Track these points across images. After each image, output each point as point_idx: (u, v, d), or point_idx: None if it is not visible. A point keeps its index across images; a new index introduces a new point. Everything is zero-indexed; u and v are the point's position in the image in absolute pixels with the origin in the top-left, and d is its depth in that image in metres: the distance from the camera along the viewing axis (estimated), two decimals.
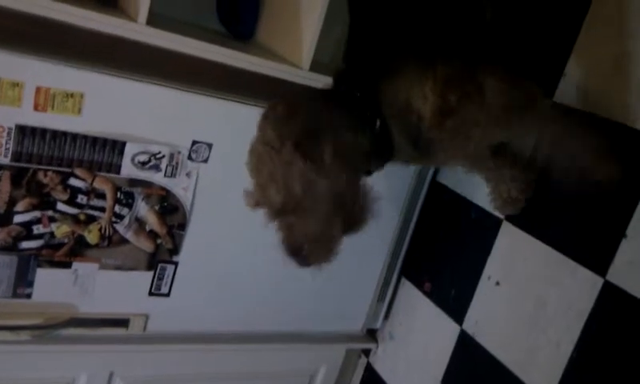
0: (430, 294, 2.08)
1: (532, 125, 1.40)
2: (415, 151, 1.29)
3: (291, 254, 1.18)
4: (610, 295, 1.51)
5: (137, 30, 1.49)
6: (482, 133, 1.28)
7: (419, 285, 2.13)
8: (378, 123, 1.23)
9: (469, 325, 1.92)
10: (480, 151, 1.50)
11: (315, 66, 1.74)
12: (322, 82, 1.72)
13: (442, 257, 2.07)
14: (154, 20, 1.51)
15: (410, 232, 2.17)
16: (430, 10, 1.31)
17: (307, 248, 1.17)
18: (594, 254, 1.56)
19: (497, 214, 1.83)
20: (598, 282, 1.54)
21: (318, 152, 1.13)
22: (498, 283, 1.84)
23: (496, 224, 1.85)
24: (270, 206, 1.18)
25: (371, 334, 2.26)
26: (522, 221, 1.77)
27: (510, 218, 1.81)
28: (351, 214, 1.21)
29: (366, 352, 2.31)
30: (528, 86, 1.35)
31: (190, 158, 1.66)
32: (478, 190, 1.88)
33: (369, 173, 1.34)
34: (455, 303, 1.98)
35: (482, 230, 1.90)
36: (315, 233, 1.17)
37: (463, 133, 1.26)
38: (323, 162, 1.13)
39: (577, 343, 1.57)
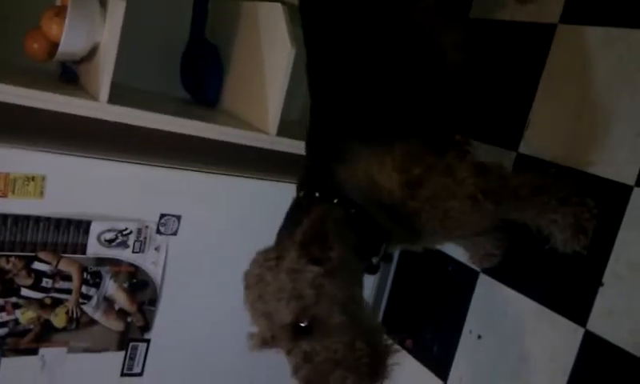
0: (412, 351, 2.04)
1: (508, 210, 1.37)
2: (402, 231, 1.25)
3: None
4: (592, 345, 1.49)
5: (99, 109, 1.48)
6: (460, 214, 1.25)
7: (400, 342, 2.08)
8: (353, 211, 1.18)
9: (453, 381, 1.87)
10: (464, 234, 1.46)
11: (283, 129, 1.73)
12: (290, 145, 1.72)
13: (422, 312, 2.04)
14: (116, 95, 1.50)
15: (387, 288, 2.14)
16: (388, 89, 1.30)
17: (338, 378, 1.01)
18: (573, 303, 1.54)
19: (473, 266, 1.82)
20: (579, 331, 1.52)
21: (323, 253, 1.07)
22: (479, 337, 1.81)
23: (473, 276, 1.83)
24: (282, 332, 1.05)
25: None
26: (499, 272, 1.75)
27: (486, 271, 1.79)
28: (367, 329, 1.09)
29: None
30: (496, 168, 1.34)
31: (158, 231, 1.63)
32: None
33: (371, 268, 1.27)
34: (438, 359, 1.94)
35: (460, 283, 1.88)
36: (340, 354, 1.02)
37: (440, 205, 1.23)
38: (331, 263, 1.07)
39: None
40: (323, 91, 1.34)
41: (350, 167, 1.21)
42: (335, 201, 1.20)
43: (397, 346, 1.11)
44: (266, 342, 1.08)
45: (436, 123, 1.36)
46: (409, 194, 1.20)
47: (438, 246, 1.87)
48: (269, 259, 1.08)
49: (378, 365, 1.05)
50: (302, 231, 1.08)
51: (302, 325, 1.03)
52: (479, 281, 1.81)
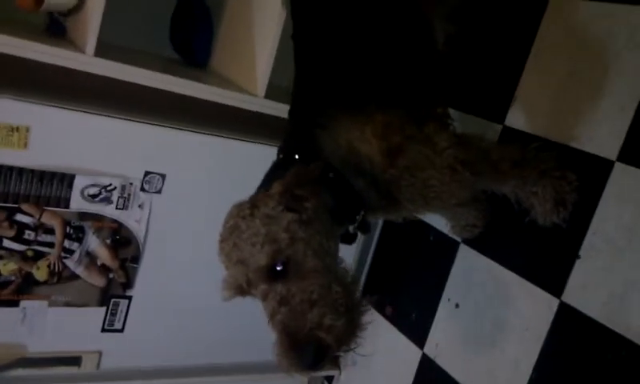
0: (391, 318, 2.07)
1: (487, 181, 1.39)
2: (380, 199, 1.25)
3: (296, 341, 0.98)
4: (566, 315, 1.53)
5: (85, 62, 1.46)
6: (440, 184, 1.25)
7: (380, 309, 2.12)
8: (332, 175, 1.18)
9: (430, 348, 1.91)
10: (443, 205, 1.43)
11: (271, 92, 1.73)
12: (277, 109, 1.72)
13: (403, 280, 2.06)
14: (103, 50, 1.49)
15: (369, 256, 2.17)
16: (370, 60, 1.30)
17: (313, 322, 0.97)
18: (550, 275, 1.58)
19: (454, 236, 1.84)
20: (554, 302, 1.55)
21: (299, 204, 1.07)
22: (457, 305, 1.84)
23: (453, 246, 1.86)
24: (257, 276, 1.03)
25: (334, 361, 2.22)
26: (479, 243, 1.78)
27: (466, 241, 1.82)
28: (342, 280, 1.08)
29: (329, 379, 2.28)
30: (477, 140, 1.35)
31: (142, 189, 1.62)
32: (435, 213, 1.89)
33: (348, 237, 1.27)
34: (416, 326, 1.97)
35: (441, 253, 1.90)
36: (316, 295, 1.00)
37: (419, 175, 1.23)
38: (306, 213, 1.07)
39: (535, 363, 1.58)
40: (307, 60, 1.34)
41: (331, 133, 1.21)
42: (314, 165, 1.18)
43: (370, 306, 1.11)
44: (241, 288, 1.06)
45: (418, 95, 1.36)
46: (388, 161, 1.20)
47: (419, 216, 1.88)
48: (243, 210, 1.08)
49: (354, 311, 1.04)
50: (281, 182, 1.08)
51: (278, 268, 1.03)
52: (459, 251, 1.84)
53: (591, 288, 1.48)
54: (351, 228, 1.26)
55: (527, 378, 1.60)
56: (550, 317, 1.56)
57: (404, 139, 1.22)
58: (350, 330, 1.03)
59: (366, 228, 1.29)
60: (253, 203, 1.09)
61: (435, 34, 1.49)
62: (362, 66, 1.29)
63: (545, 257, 1.59)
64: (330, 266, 1.08)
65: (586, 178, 1.48)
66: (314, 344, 0.98)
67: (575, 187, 1.47)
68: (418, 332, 1.96)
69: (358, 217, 1.23)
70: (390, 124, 1.21)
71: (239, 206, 1.10)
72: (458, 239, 1.84)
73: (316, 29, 1.35)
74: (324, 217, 1.13)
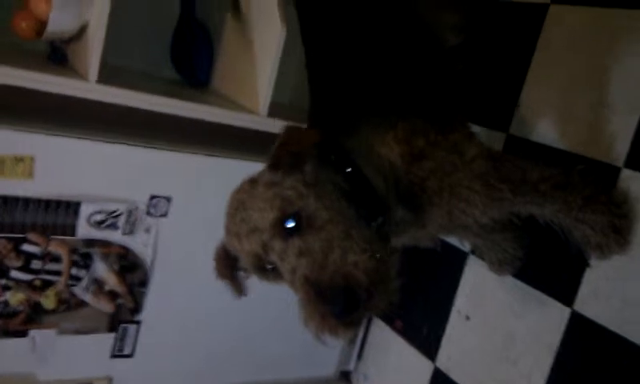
0: (401, 332, 2.06)
1: (524, 202, 1.28)
2: (401, 208, 1.19)
3: (322, 286, 0.88)
4: (578, 325, 1.51)
5: (88, 89, 1.47)
6: (468, 192, 1.19)
7: (390, 323, 2.10)
8: (349, 169, 1.13)
9: (442, 361, 1.90)
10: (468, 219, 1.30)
11: (273, 110, 1.73)
12: (280, 127, 1.71)
13: (412, 293, 2.05)
14: (105, 75, 1.49)
15: None
16: (392, 69, 1.29)
17: (336, 261, 0.90)
18: (560, 284, 1.56)
19: (462, 247, 1.83)
20: (565, 312, 1.54)
21: (294, 167, 1.03)
22: (467, 318, 1.83)
23: (462, 258, 1.85)
24: (271, 234, 0.97)
25: (345, 377, 2.22)
26: None
27: (475, 252, 1.81)
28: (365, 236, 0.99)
29: None
30: (512, 157, 1.28)
31: (148, 213, 1.62)
32: None
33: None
34: (427, 340, 1.96)
35: (449, 264, 1.89)
36: (336, 240, 0.93)
37: (446, 179, 1.18)
38: (308, 175, 1.03)
39: (549, 374, 1.57)
40: (323, 73, 1.33)
41: (355, 140, 1.19)
42: (333, 157, 1.14)
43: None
44: (258, 258, 1.01)
45: (438, 105, 1.33)
46: (410, 164, 1.17)
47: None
48: (243, 188, 1.05)
49: (382, 256, 0.96)
50: (271, 153, 1.04)
51: (290, 225, 0.97)
52: (468, 262, 1.83)
53: (603, 296, 1.46)
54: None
55: None
56: (562, 327, 1.55)
57: (428, 145, 1.18)
58: (381, 269, 0.93)
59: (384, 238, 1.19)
60: (251, 179, 1.06)
61: (443, 45, 1.48)
62: (378, 78, 1.28)
63: (554, 266, 1.58)
64: (348, 227, 0.98)
65: (593, 185, 1.47)
66: (341, 282, 0.89)
67: (627, 212, 1.37)
68: (429, 345, 1.95)
69: (373, 223, 1.13)
70: (412, 130, 1.18)
71: (238, 188, 1.07)
72: (466, 250, 1.82)
73: (330, 47, 1.33)
74: (330, 188, 1.06)
